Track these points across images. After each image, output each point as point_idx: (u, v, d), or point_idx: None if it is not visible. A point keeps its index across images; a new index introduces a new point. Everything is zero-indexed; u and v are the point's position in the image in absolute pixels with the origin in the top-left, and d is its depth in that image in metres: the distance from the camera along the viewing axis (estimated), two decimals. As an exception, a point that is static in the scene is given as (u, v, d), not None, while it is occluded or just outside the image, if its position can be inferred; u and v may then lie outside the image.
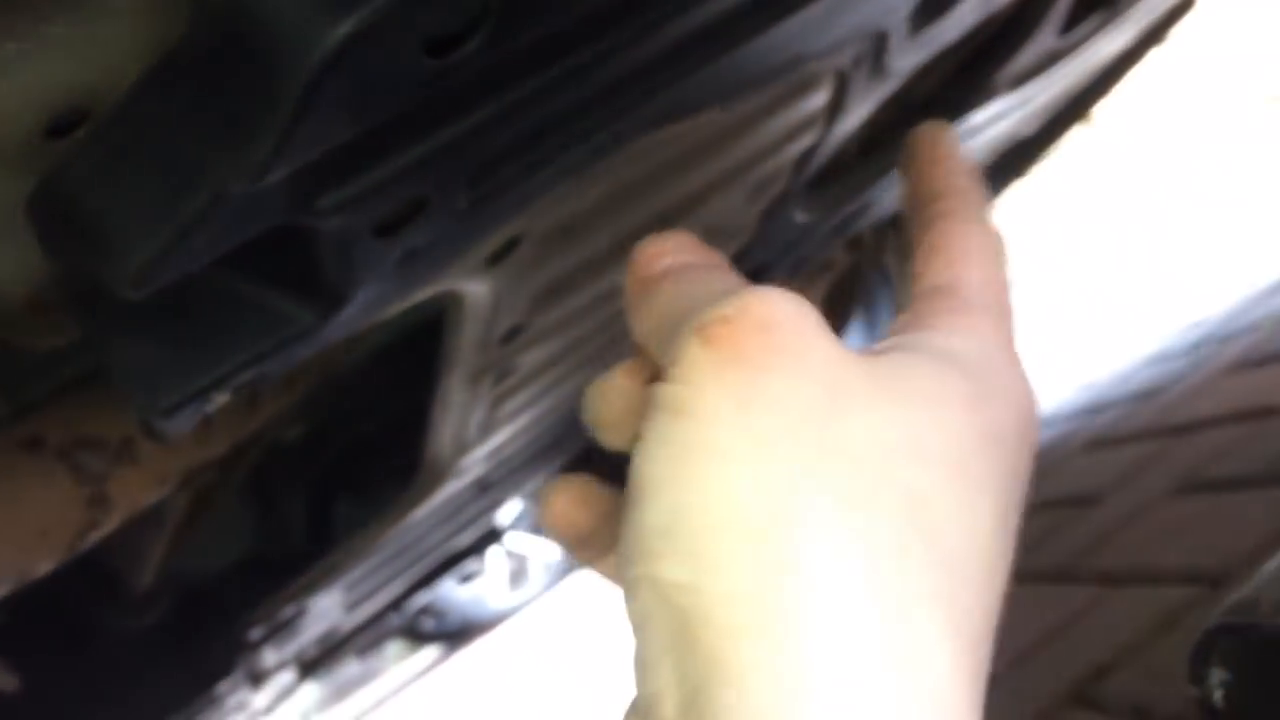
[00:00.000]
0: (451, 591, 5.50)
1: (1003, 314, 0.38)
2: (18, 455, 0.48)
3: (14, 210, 0.35)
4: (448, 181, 0.41)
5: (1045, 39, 0.88)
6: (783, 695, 0.27)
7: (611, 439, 0.39)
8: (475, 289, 0.55)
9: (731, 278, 0.39)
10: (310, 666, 1.18)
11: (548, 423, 0.95)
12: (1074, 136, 1.38)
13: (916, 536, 0.29)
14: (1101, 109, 1.56)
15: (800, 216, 0.92)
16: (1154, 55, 1.30)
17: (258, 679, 0.93)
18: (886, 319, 1.75)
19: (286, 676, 1.07)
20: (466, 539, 1.20)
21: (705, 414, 0.30)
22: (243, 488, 0.86)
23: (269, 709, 1.19)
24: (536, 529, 5.37)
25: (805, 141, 0.72)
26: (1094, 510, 1.21)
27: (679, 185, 0.63)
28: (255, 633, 0.83)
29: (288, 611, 0.81)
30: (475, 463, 0.84)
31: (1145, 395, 1.64)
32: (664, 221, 0.66)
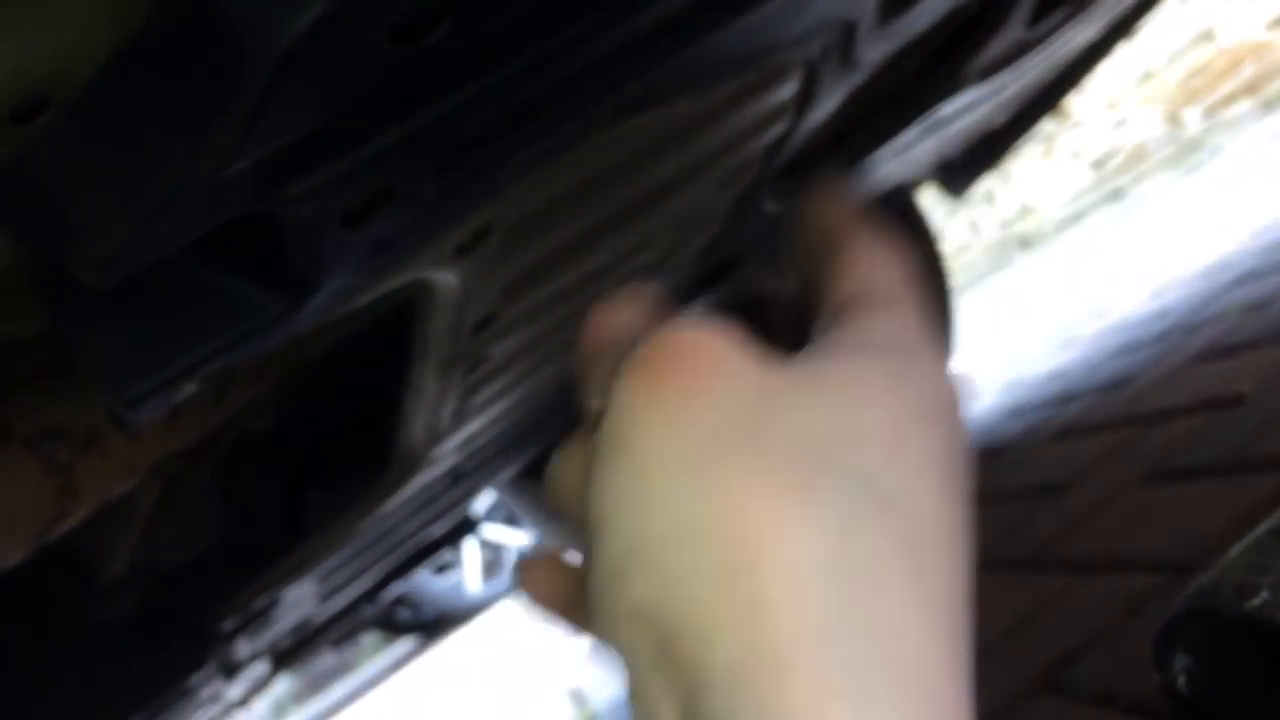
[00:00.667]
0: (427, 582, 5.49)
1: (912, 306, 0.39)
2: (-11, 444, 0.48)
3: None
4: (415, 170, 0.41)
5: (1014, 30, 0.89)
6: (765, 688, 0.27)
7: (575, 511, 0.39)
8: (445, 279, 0.55)
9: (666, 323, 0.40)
10: (284, 657, 1.17)
11: (521, 413, 0.95)
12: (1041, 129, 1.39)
13: (866, 513, 0.29)
14: (1073, 99, 1.57)
15: (772, 206, 0.92)
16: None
17: (231, 670, 0.92)
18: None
19: (260, 668, 1.07)
20: (441, 529, 1.20)
21: (639, 441, 0.31)
22: (213, 478, 0.85)
23: (243, 700, 1.19)
24: (511, 519, 5.36)
25: (775, 132, 0.73)
26: (1063, 499, 1.22)
27: (649, 175, 0.63)
28: (228, 624, 0.82)
29: (260, 602, 0.80)
30: (448, 453, 0.84)
31: (1113, 385, 1.65)
32: (635, 211, 0.67)
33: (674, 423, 0.31)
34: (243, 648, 0.90)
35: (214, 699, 1.00)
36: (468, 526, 1.43)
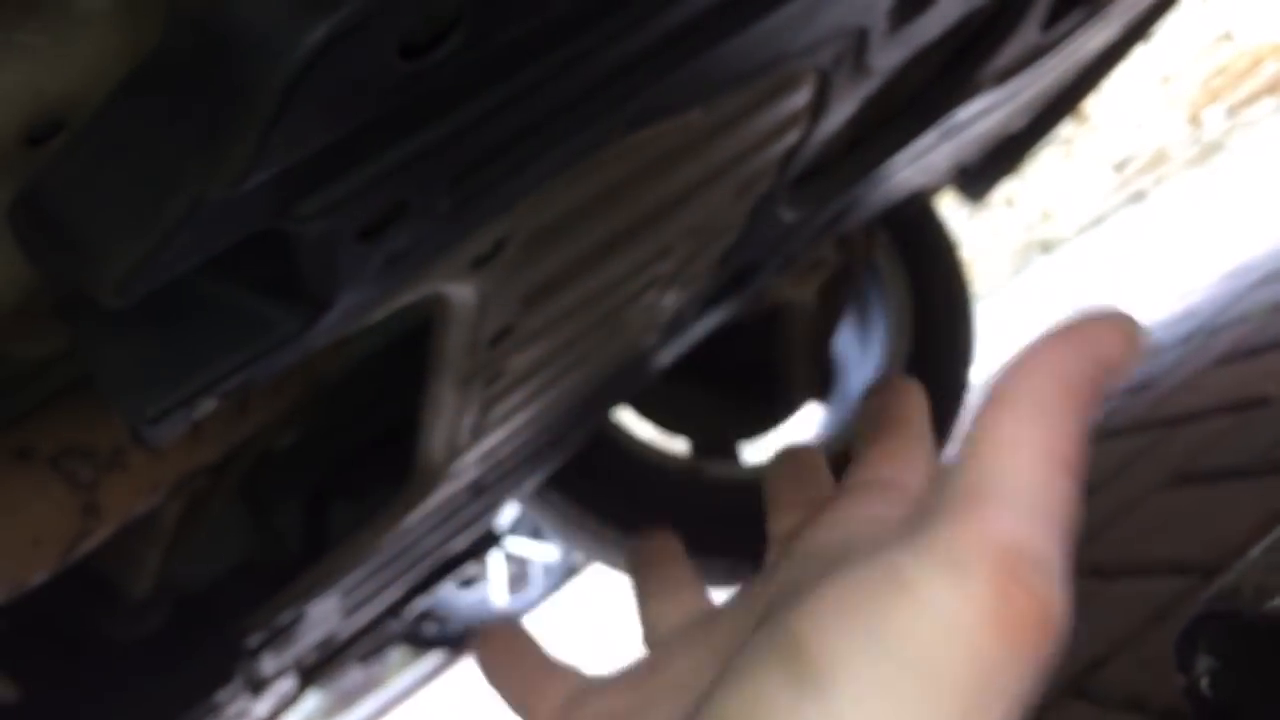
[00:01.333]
0: (453, 596, 5.50)
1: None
2: (9, 464, 0.48)
3: (-6, 223, 0.35)
4: (428, 184, 0.42)
5: (1029, 34, 0.88)
6: None
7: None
8: (461, 292, 0.55)
9: None
10: (311, 673, 1.18)
11: (542, 425, 0.95)
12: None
13: None
14: (1092, 102, 1.57)
15: (787, 214, 0.92)
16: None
17: (258, 686, 0.93)
18: (878, 317, 1.76)
19: (287, 683, 1.07)
20: (463, 543, 1.20)
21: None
22: (235, 495, 0.86)
23: (271, 717, 1.19)
24: (536, 533, 5.34)
25: (789, 140, 0.73)
26: (1088, 503, 1.21)
27: (664, 185, 0.63)
28: (253, 639, 0.83)
29: (285, 617, 0.81)
30: (469, 466, 0.85)
31: (1138, 389, 1.64)
32: (651, 221, 0.67)
33: None
34: (269, 664, 0.91)
35: (241, 716, 1.00)
36: (491, 540, 1.44)
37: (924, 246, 1.77)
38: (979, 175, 1.67)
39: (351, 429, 0.93)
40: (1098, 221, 4.47)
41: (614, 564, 1.67)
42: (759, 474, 1.69)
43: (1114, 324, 0.30)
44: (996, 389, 0.30)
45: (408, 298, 0.51)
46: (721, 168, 0.68)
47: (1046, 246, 4.61)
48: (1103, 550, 1.04)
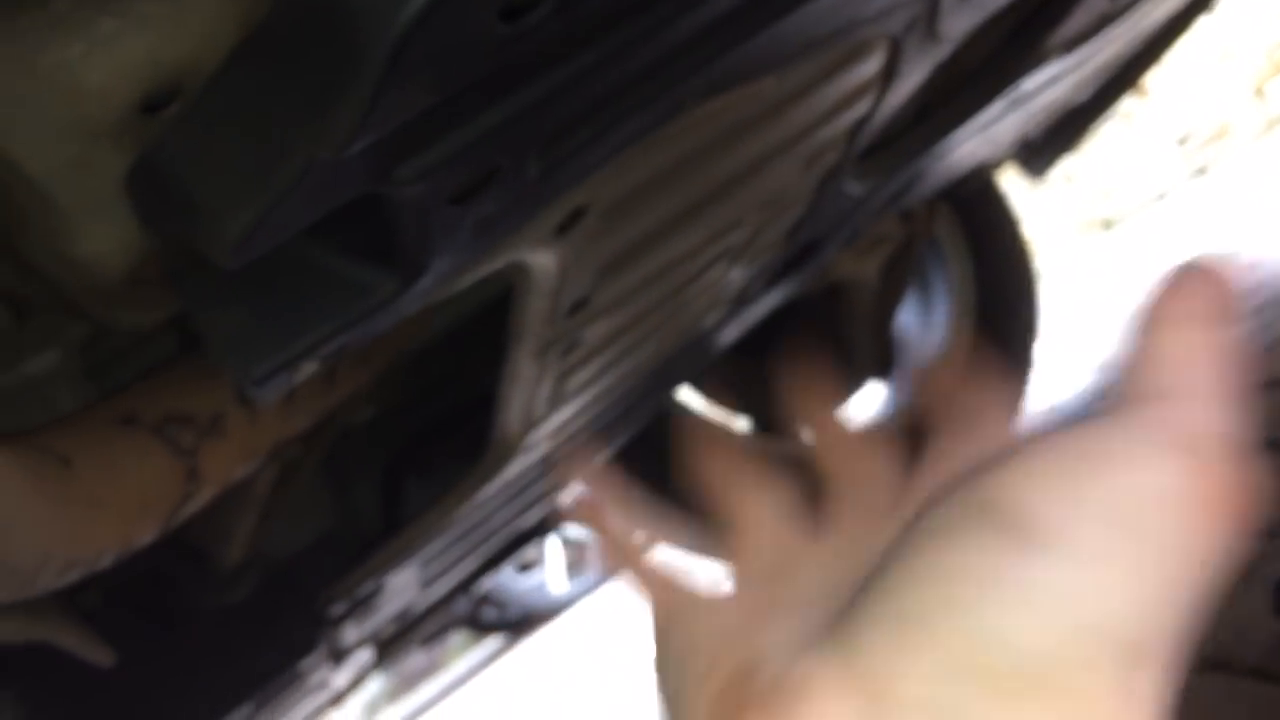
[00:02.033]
0: (511, 581, 5.55)
1: None
2: (115, 431, 0.50)
3: (114, 186, 0.37)
4: (519, 149, 0.43)
5: (1096, 2, 0.88)
6: None
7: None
8: (543, 260, 0.56)
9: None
10: (387, 646, 1.20)
11: (610, 400, 0.96)
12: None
13: None
14: (1153, 76, 1.55)
15: (854, 187, 0.92)
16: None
17: (338, 656, 0.95)
18: (940, 293, 1.75)
19: (365, 655, 1.10)
20: (533, 518, 1.22)
21: None
22: (319, 470, 0.88)
23: (348, 689, 1.22)
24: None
25: (859, 110, 0.73)
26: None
27: (736, 155, 0.64)
28: (336, 609, 0.85)
29: (366, 588, 0.83)
30: (542, 439, 0.86)
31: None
32: (722, 192, 0.67)
33: None
34: (350, 634, 0.93)
35: (321, 686, 1.03)
36: (558, 518, 1.45)
37: (987, 222, 1.75)
38: (1041, 149, 1.65)
39: (426, 406, 0.95)
40: (1160, 197, 4.40)
41: (679, 543, 1.68)
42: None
43: (1232, 263, 0.32)
44: (1154, 312, 0.32)
45: (494, 264, 0.52)
46: (792, 138, 0.69)
47: (1108, 224, 4.54)
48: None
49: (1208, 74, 4.44)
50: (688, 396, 1.65)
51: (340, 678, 1.06)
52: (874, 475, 0.44)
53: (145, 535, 0.51)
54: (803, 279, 1.12)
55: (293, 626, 0.82)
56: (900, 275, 1.57)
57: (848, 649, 0.30)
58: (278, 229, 0.36)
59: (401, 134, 0.37)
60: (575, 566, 5.53)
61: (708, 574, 0.44)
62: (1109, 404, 0.31)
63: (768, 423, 1.71)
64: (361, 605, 0.87)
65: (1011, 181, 1.99)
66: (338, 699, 1.20)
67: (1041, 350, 1.79)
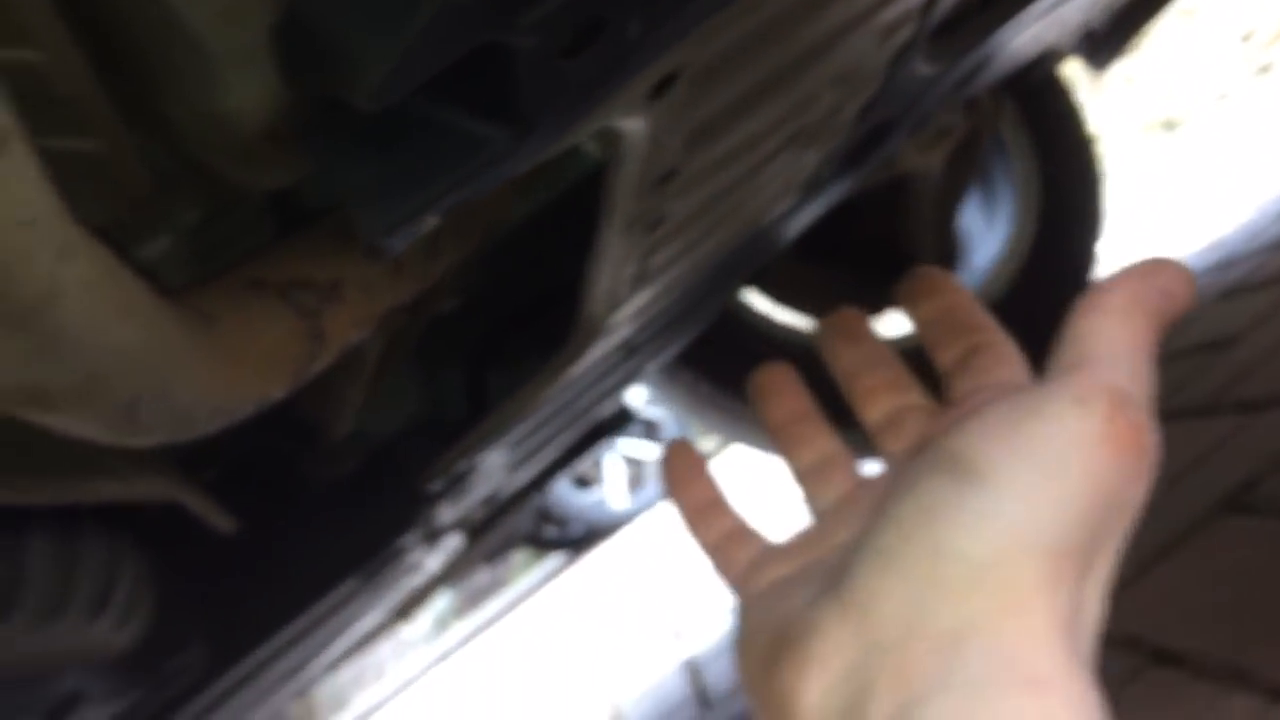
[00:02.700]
0: (571, 498, 5.64)
1: None
2: (245, 293, 0.54)
3: (260, 38, 0.40)
4: (624, 3, 0.45)
5: None
6: None
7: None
8: (635, 126, 0.59)
9: None
10: (477, 531, 1.25)
11: (687, 285, 0.99)
12: None
13: None
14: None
15: (924, 68, 0.93)
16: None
17: (433, 536, 0.99)
18: (1004, 189, 1.74)
19: (455, 539, 1.14)
20: (609, 409, 1.26)
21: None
22: (408, 357, 0.92)
23: (441, 575, 1.27)
24: (651, 433, 5.41)
25: (933, -19, 0.74)
26: (1231, 351, 1.22)
27: (818, 23, 0.65)
28: (434, 486, 0.89)
29: (461, 466, 0.87)
30: (623, 321, 0.89)
31: (1275, 247, 1.61)
32: (802, 64, 0.69)
33: None
34: (445, 513, 0.97)
35: (415, 567, 1.08)
36: (628, 417, 1.48)
37: (1052, 118, 1.74)
38: (1105, 39, 1.64)
39: (507, 295, 0.98)
40: (1222, 96, 4.30)
41: (744, 439, 1.71)
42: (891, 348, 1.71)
43: (1175, 268, 0.41)
44: (1091, 301, 0.41)
45: (592, 127, 0.54)
46: (871, 8, 0.70)
47: (1170, 125, 4.45)
48: (1248, 389, 1.05)
49: (1275, -34, 4.31)
50: (751, 296, 1.68)
51: (433, 560, 1.11)
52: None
53: (278, 390, 0.54)
54: (870, 167, 1.13)
55: (394, 503, 0.87)
56: (964, 169, 1.57)
57: (843, 588, 0.37)
58: (413, 73, 0.39)
59: (522, -17, 0.39)
60: (635, 482, 5.61)
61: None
62: (1049, 370, 0.40)
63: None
64: (457, 484, 0.91)
65: (1074, 84, 1.96)
66: (430, 585, 1.26)
67: (1103, 251, 1.78)
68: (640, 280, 0.81)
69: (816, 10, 0.63)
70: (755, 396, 0.61)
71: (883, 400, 0.63)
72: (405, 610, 1.64)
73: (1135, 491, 0.36)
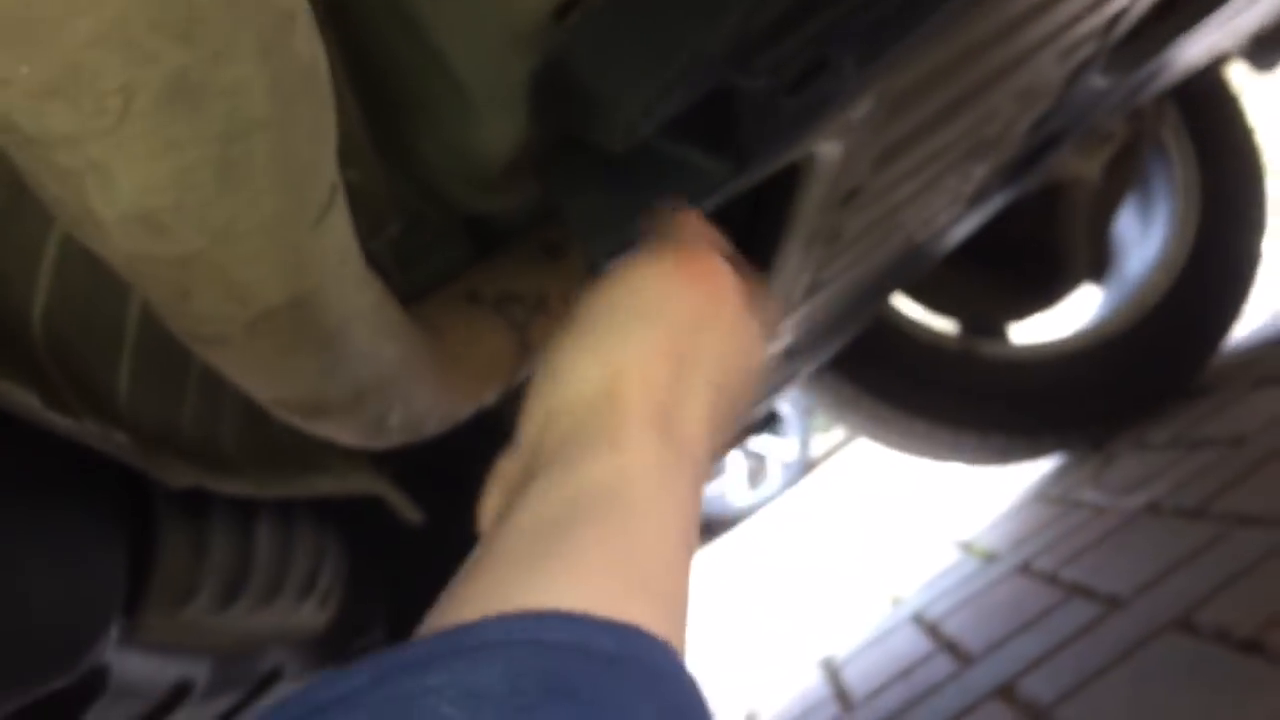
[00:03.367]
0: (695, 489, 5.54)
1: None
2: (465, 307, 0.57)
3: (518, 82, 0.43)
4: (845, 42, 0.47)
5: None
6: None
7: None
8: (831, 150, 0.60)
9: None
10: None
11: (852, 293, 1.00)
12: None
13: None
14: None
15: (1099, 81, 0.93)
16: None
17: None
18: (1162, 196, 1.70)
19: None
20: (761, 410, 1.27)
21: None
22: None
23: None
24: (771, 428, 5.36)
25: (1121, 1, 0.74)
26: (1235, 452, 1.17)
27: (1011, 46, 0.66)
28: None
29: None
30: (792, 327, 0.91)
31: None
32: (988, 84, 0.70)
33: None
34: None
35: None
36: (774, 419, 1.49)
37: (1216, 124, 1.69)
38: (1271, 41, 1.58)
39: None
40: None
41: (888, 442, 1.71)
42: (1029, 353, 1.69)
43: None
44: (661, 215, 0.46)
45: (797, 154, 0.56)
46: (1060, 28, 0.70)
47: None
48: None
49: None
50: (897, 300, 1.67)
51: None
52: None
53: (492, 397, 0.58)
54: (1035, 178, 1.12)
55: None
56: (1123, 176, 1.55)
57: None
58: (659, 116, 0.41)
59: (763, 30, 0.41)
60: (755, 476, 5.61)
61: None
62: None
63: (975, 325, 1.72)
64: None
65: (1239, 78, 1.90)
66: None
67: (1270, 249, 1.73)
68: (811, 291, 0.83)
69: (1012, 34, 0.64)
70: None
71: None
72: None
73: (726, 316, 0.43)
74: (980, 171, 0.95)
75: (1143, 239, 1.73)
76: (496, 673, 0.28)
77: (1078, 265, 1.65)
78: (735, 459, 5.50)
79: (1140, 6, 0.79)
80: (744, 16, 0.37)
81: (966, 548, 1.66)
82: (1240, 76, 1.83)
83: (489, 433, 0.87)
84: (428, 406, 0.50)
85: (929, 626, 1.37)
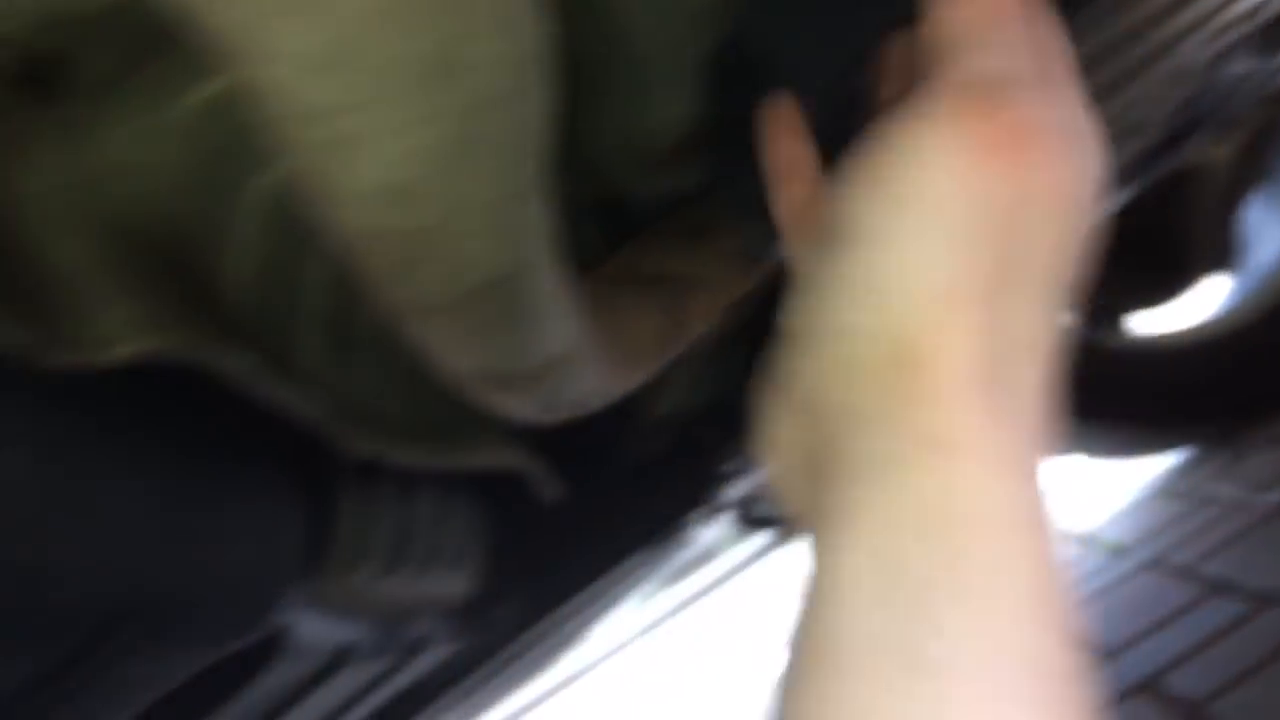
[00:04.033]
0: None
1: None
2: (624, 285, 0.59)
3: (689, 64, 0.44)
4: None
5: None
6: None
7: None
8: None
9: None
10: (752, 522, 1.29)
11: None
12: None
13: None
14: None
15: (1239, 66, 0.91)
16: None
17: (714, 513, 1.04)
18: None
19: (728, 519, 1.19)
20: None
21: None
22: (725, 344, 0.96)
23: (701, 557, 1.32)
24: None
25: (1274, -19, 0.73)
26: None
27: (1166, 29, 0.66)
28: (728, 466, 0.94)
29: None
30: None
31: None
32: (1143, 65, 0.69)
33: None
34: (729, 493, 1.01)
35: (689, 543, 1.12)
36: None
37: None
38: None
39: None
40: None
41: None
42: (1151, 344, 1.65)
43: None
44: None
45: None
46: (1212, 11, 0.69)
47: None
48: None
49: None
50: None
51: (707, 535, 1.15)
52: None
53: (645, 375, 0.59)
54: (1169, 164, 1.10)
55: (691, 480, 0.92)
56: (1255, 162, 1.50)
57: (779, 373, 0.35)
58: (837, 94, 0.42)
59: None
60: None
61: None
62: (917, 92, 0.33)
63: (1094, 315, 1.69)
64: (744, 468, 0.95)
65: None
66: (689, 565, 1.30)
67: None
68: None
69: (1173, 13, 0.63)
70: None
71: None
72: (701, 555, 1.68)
73: (1046, 180, 0.30)
74: (1119, 159, 0.93)
75: (1276, 227, 1.68)
76: None
77: (1203, 254, 1.61)
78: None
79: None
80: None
81: (1088, 542, 1.63)
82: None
83: (629, 415, 0.88)
84: (594, 384, 0.52)
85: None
